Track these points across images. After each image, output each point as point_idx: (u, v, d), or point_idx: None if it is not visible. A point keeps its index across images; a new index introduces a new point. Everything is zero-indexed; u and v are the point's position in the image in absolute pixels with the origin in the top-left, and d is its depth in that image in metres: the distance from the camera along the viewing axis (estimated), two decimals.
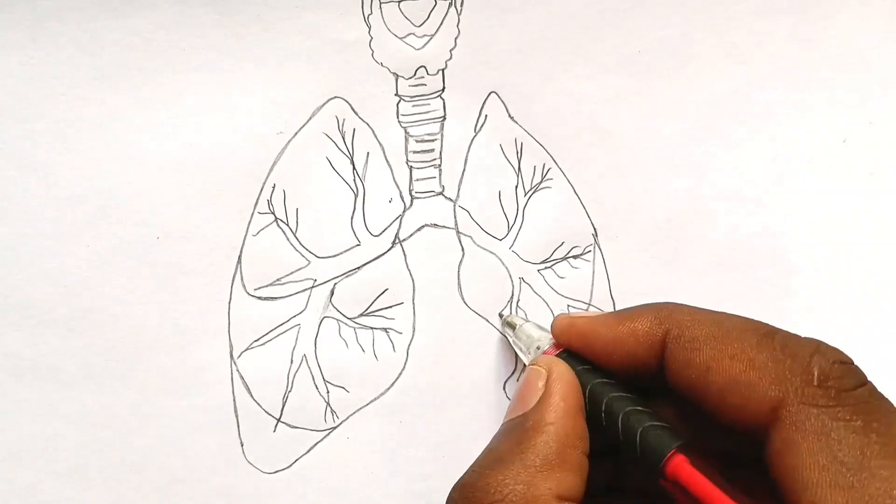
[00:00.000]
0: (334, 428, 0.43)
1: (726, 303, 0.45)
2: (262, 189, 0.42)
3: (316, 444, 0.43)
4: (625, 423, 0.34)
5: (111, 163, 0.40)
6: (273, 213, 0.42)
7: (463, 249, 0.43)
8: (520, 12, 0.42)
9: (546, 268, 0.44)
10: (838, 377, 0.30)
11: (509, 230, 0.44)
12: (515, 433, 0.33)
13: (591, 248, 0.44)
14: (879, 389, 0.32)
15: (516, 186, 0.44)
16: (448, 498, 0.33)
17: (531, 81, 0.43)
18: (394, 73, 0.42)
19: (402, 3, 0.41)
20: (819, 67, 0.45)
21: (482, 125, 0.43)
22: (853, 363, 0.31)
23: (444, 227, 0.43)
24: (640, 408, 0.34)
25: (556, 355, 0.37)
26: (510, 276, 0.44)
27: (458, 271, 0.43)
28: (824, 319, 0.46)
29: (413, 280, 0.43)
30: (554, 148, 0.44)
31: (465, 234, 0.43)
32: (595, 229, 0.44)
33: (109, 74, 0.40)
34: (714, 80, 0.44)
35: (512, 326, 0.42)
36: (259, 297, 0.42)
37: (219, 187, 0.41)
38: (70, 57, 0.40)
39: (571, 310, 0.44)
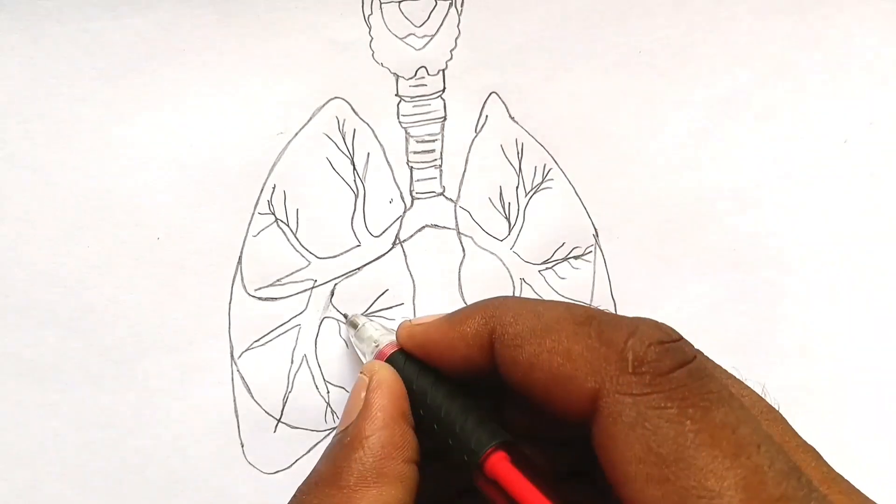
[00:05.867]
0: (334, 428, 0.43)
1: (727, 303, 0.45)
2: (262, 189, 0.42)
3: (316, 445, 0.43)
4: (445, 419, 0.32)
5: (111, 163, 0.40)
6: (273, 214, 0.42)
7: (464, 250, 0.43)
8: (520, 13, 0.42)
9: (547, 268, 0.44)
10: (654, 360, 0.28)
11: (510, 231, 0.44)
12: (334, 451, 0.32)
13: (591, 248, 0.44)
14: (710, 364, 0.30)
15: (517, 187, 0.44)
16: None
17: (532, 82, 0.43)
18: (394, 74, 0.42)
19: (402, 4, 0.41)
20: (819, 67, 0.45)
21: (483, 125, 0.43)
22: (675, 340, 0.29)
23: (444, 227, 0.43)
24: (461, 404, 0.33)
25: (391, 356, 0.35)
26: (511, 276, 0.44)
27: (459, 272, 0.43)
28: (824, 320, 0.46)
29: (413, 281, 0.43)
30: (554, 148, 0.44)
31: (465, 235, 0.43)
32: (596, 230, 0.44)
33: (109, 75, 0.40)
34: (714, 81, 0.44)
35: (354, 326, 0.40)
36: (259, 298, 0.42)
37: (219, 188, 0.41)
38: (70, 57, 0.40)
39: None
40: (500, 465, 0.31)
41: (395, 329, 0.37)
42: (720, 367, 0.31)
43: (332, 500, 0.30)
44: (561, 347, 0.30)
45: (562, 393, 0.30)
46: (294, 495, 0.32)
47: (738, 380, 0.32)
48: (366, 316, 0.41)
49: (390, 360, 0.35)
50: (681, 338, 0.30)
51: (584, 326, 0.30)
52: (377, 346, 0.37)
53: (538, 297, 0.33)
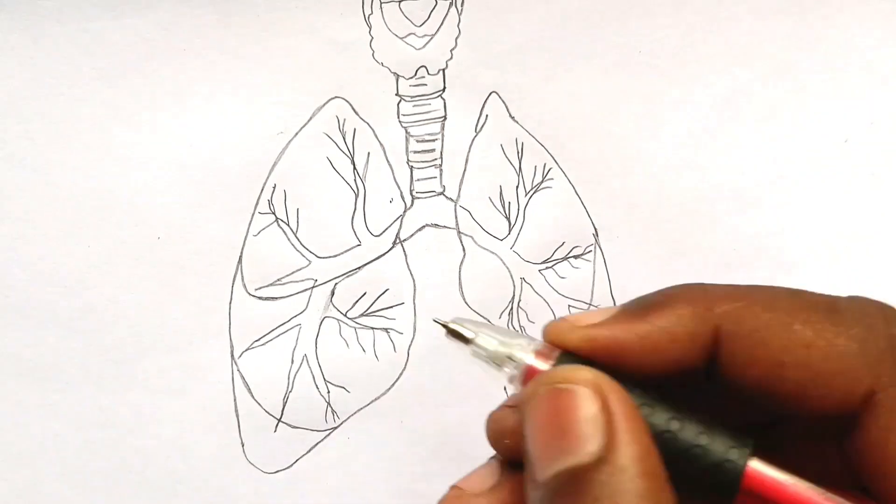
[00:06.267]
0: (335, 428, 0.43)
1: None
2: (262, 189, 0.42)
3: (316, 444, 0.43)
4: (681, 440, 0.26)
5: (111, 163, 0.40)
6: (274, 213, 0.42)
7: (464, 249, 0.43)
8: (520, 12, 0.42)
9: (547, 268, 0.44)
10: None
11: (510, 230, 0.44)
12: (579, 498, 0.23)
13: (591, 248, 0.44)
14: None
15: (517, 186, 0.44)
16: None
17: (532, 81, 0.43)
18: (394, 73, 0.42)
19: (402, 3, 0.41)
20: (820, 67, 0.45)
21: (483, 125, 0.43)
22: None
23: (444, 227, 0.43)
24: (694, 416, 0.27)
25: (557, 361, 0.27)
26: (511, 276, 0.44)
27: (459, 271, 0.43)
28: None
29: (414, 280, 0.43)
30: (554, 148, 0.44)
31: (465, 235, 0.43)
32: (596, 229, 0.44)
33: (109, 75, 0.40)
34: (715, 81, 0.44)
35: (465, 340, 0.28)
36: (260, 297, 0.42)
37: (219, 187, 0.41)
38: (70, 57, 0.40)
39: (573, 310, 0.44)
40: (760, 478, 0.26)
41: (518, 334, 0.28)
42: None
43: None
44: (821, 340, 0.27)
45: (824, 391, 0.26)
46: None
47: None
48: (473, 322, 0.28)
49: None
50: None
51: (835, 314, 0.27)
52: (524, 355, 0.27)
53: (743, 285, 0.28)
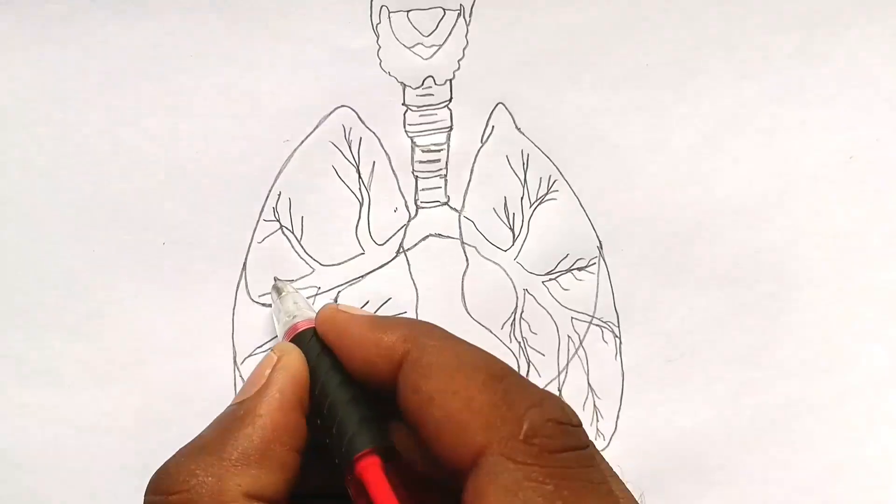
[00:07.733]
0: None
1: (729, 317, 0.45)
2: (267, 196, 0.42)
3: None
4: (330, 412, 0.32)
5: (117, 168, 0.40)
6: (278, 221, 0.42)
7: (467, 260, 0.44)
8: (528, 24, 0.42)
9: (550, 279, 0.44)
10: (547, 436, 0.28)
11: (514, 241, 0.44)
12: (225, 422, 0.32)
13: (595, 260, 0.44)
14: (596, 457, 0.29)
15: (522, 198, 0.44)
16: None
17: (539, 93, 0.43)
18: (401, 83, 0.42)
19: (410, 13, 0.41)
20: (826, 84, 0.45)
21: (489, 136, 0.43)
22: (574, 425, 0.29)
23: (448, 237, 0.43)
24: (349, 400, 0.32)
25: (302, 331, 0.35)
26: (514, 287, 0.44)
27: (462, 282, 0.44)
28: (827, 335, 0.46)
29: (416, 290, 0.43)
30: (560, 160, 0.44)
31: (469, 245, 0.43)
32: (600, 242, 0.44)
33: (117, 79, 0.40)
34: (721, 95, 0.44)
35: (279, 292, 0.40)
36: (263, 304, 0.42)
37: (225, 194, 0.41)
38: (78, 61, 0.40)
39: (575, 321, 0.44)
40: (369, 469, 0.30)
41: (316, 309, 0.37)
42: (607, 464, 0.31)
43: (211, 470, 0.30)
44: (466, 393, 0.30)
45: (450, 437, 0.29)
46: (173, 456, 0.31)
47: (621, 481, 0.31)
48: (294, 288, 0.41)
49: (300, 335, 0.35)
50: (580, 424, 0.30)
51: (496, 381, 0.30)
52: (294, 319, 0.37)
53: (460, 338, 0.32)
